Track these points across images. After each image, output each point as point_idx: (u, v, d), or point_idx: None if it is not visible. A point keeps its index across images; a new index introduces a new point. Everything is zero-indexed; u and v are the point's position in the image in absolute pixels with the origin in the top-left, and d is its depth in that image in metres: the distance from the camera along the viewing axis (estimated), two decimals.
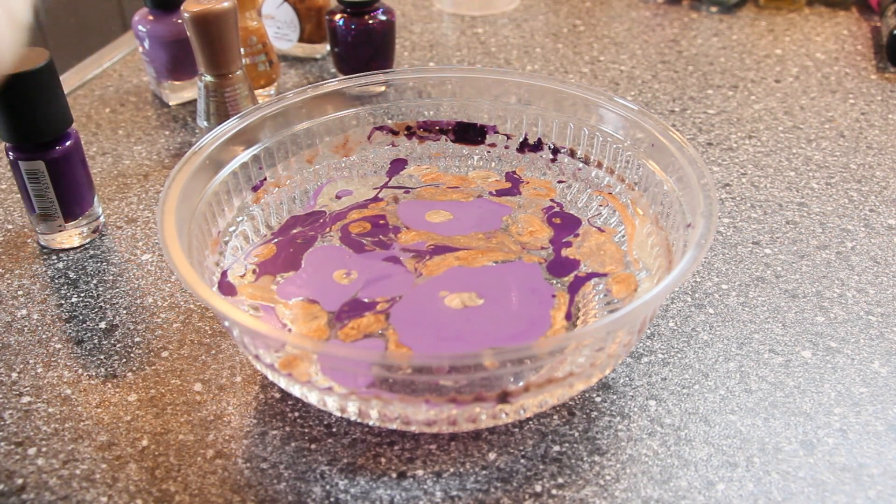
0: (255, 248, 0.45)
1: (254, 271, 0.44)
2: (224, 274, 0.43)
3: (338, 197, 0.50)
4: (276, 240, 0.46)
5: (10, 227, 0.53)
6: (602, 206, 0.47)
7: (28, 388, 0.41)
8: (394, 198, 0.50)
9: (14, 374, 0.42)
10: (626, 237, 0.45)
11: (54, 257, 0.50)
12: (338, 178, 0.50)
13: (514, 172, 0.51)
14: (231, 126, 0.44)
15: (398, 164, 0.51)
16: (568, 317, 0.41)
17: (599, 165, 0.48)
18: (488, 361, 0.31)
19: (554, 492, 0.36)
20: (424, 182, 0.51)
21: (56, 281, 0.48)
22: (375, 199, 0.50)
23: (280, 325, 0.41)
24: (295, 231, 0.47)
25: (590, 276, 0.44)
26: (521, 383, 0.37)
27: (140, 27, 0.62)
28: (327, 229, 0.47)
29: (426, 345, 0.40)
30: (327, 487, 0.36)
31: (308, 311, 0.42)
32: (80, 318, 0.45)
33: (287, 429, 0.39)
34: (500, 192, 0.50)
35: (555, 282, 0.44)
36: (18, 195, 0.55)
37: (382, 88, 0.50)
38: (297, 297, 0.42)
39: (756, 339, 0.43)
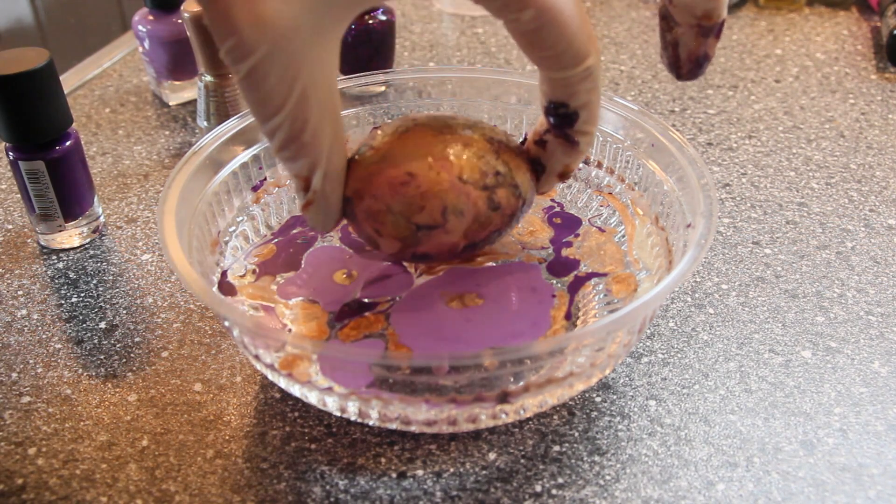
0: (255, 248, 0.45)
1: (254, 271, 0.44)
2: (224, 274, 0.43)
3: None
4: (276, 240, 0.46)
5: (10, 227, 0.53)
6: (602, 206, 0.47)
7: (28, 388, 0.41)
8: None
9: (14, 374, 0.42)
10: (626, 237, 0.45)
11: (54, 257, 0.50)
12: None
13: None
14: (231, 126, 0.44)
15: None
16: (568, 317, 0.41)
17: (599, 165, 0.48)
18: (488, 361, 0.31)
19: (554, 492, 0.36)
20: None
21: (56, 281, 0.48)
22: None
23: (280, 325, 0.41)
24: (295, 231, 0.47)
25: (590, 275, 0.44)
26: (521, 383, 0.37)
27: (140, 27, 0.62)
28: None
29: (426, 345, 0.40)
30: (327, 487, 0.36)
31: (308, 312, 0.42)
32: (80, 318, 0.45)
33: (287, 429, 0.39)
34: None
35: (555, 282, 0.44)
36: (18, 195, 0.55)
37: (382, 88, 0.50)
38: (297, 297, 0.42)
39: (756, 339, 0.43)
